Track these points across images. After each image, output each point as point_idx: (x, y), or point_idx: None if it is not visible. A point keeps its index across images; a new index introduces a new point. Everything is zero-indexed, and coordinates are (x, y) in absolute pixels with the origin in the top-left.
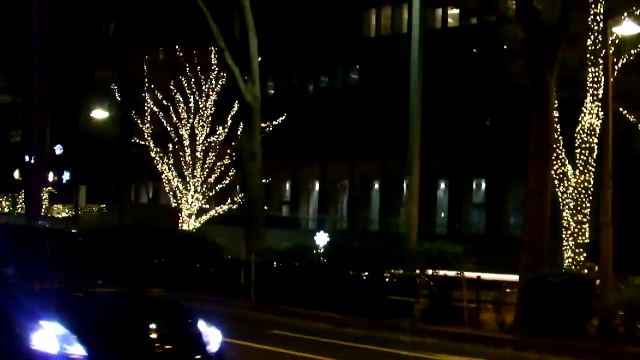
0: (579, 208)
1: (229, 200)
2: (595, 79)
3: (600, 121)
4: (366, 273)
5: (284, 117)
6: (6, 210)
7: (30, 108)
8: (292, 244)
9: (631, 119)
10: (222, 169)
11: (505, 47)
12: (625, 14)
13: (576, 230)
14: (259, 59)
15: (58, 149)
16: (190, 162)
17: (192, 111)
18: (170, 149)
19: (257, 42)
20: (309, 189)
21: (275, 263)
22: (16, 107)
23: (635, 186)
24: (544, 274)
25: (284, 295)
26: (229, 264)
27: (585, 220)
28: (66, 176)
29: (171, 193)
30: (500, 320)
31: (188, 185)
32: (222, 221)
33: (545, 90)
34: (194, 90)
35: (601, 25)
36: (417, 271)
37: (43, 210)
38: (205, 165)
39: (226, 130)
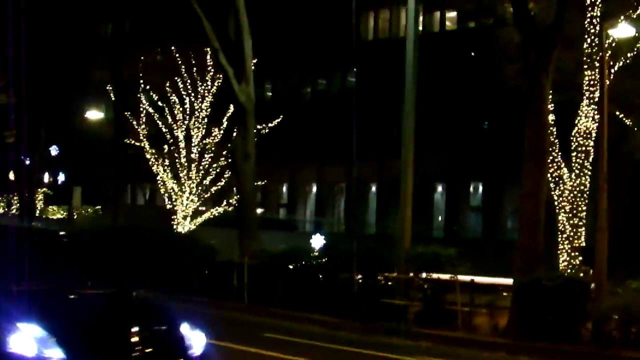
0: (574, 211)
1: (224, 202)
2: (592, 82)
3: (597, 124)
4: (360, 276)
5: (282, 119)
6: (0, 210)
7: (21, 108)
8: (287, 246)
9: (628, 122)
10: (218, 170)
11: (501, 50)
12: (622, 16)
13: (572, 233)
14: (256, 60)
15: (54, 150)
16: (186, 164)
17: (188, 112)
18: (166, 150)
19: (251, 42)
20: (306, 191)
21: (268, 265)
22: (10, 107)
23: (632, 189)
24: (538, 277)
25: (277, 297)
26: (222, 266)
27: (581, 223)
28: (62, 177)
29: (166, 195)
30: (494, 324)
31: (183, 187)
32: (217, 223)
33: (540, 93)
34: (190, 91)
35: (598, 28)
36: (411, 274)
37: (38, 211)
38: (201, 167)
39: (222, 131)
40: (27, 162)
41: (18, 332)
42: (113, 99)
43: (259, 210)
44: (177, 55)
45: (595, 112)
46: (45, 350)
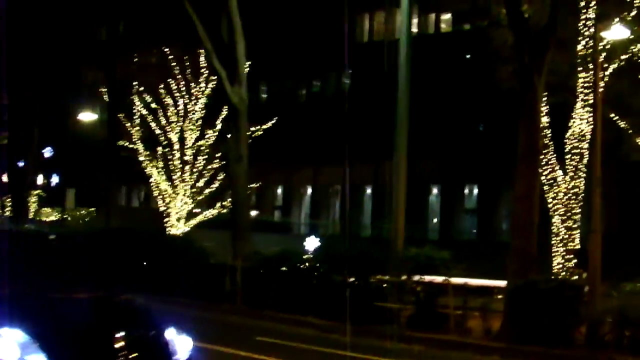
0: (569, 214)
1: (218, 204)
2: (586, 84)
3: (591, 127)
4: (353, 278)
5: (277, 121)
6: None
7: (15, 110)
8: (280, 248)
9: (622, 125)
10: (212, 172)
11: (496, 52)
12: (616, 19)
13: (566, 236)
14: (251, 62)
15: (47, 152)
16: (180, 166)
17: (182, 114)
18: (160, 152)
19: (244, 44)
20: (301, 193)
21: (262, 268)
22: (2, 108)
23: (627, 192)
24: (532, 280)
25: (270, 300)
26: (215, 269)
27: (575, 226)
28: (55, 179)
29: (160, 197)
30: (487, 327)
31: (177, 189)
32: (211, 225)
33: (533, 95)
34: (183, 93)
35: (591, 30)
36: (404, 277)
37: (32, 213)
38: (195, 169)
39: (216, 133)
40: (21, 164)
41: (0, 337)
42: (107, 100)
43: (254, 213)
44: (171, 56)
45: (590, 115)
46: (28, 355)
